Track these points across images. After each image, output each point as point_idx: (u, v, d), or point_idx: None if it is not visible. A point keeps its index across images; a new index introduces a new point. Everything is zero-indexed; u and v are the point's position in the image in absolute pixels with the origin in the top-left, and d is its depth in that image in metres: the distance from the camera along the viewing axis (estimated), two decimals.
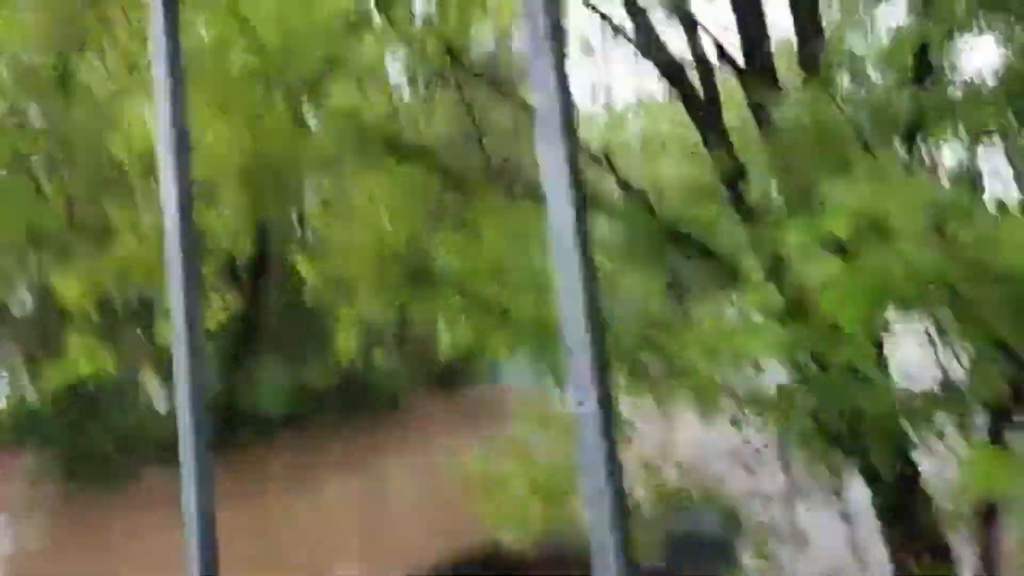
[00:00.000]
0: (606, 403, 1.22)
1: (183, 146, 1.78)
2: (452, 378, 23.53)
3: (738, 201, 3.80)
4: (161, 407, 14.93)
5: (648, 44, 4.01)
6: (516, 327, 3.23)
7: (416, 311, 3.87)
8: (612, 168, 3.66)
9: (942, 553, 3.57)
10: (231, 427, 15.63)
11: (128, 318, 13.08)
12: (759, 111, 3.36)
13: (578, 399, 1.25)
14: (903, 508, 3.59)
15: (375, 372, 19.52)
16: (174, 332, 1.83)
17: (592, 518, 1.20)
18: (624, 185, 3.84)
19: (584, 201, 1.29)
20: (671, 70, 3.96)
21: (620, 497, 1.20)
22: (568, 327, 1.28)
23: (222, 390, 15.91)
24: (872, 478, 3.35)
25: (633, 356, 3.12)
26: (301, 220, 17.64)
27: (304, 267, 4.41)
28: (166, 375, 15.08)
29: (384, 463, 13.05)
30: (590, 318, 1.26)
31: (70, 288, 3.85)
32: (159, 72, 1.79)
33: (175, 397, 1.83)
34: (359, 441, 15.66)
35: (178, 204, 1.76)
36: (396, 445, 15.05)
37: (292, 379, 16.48)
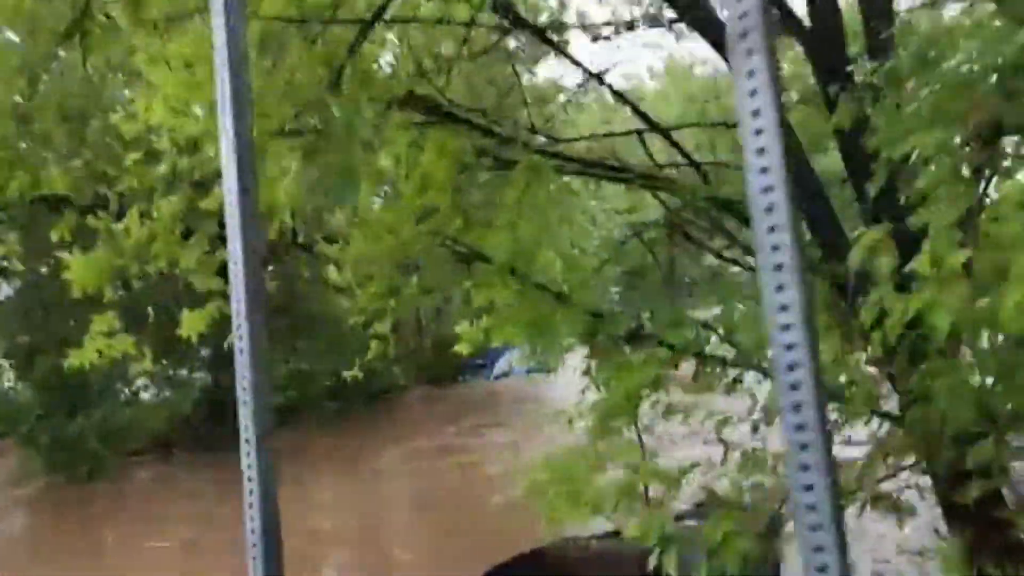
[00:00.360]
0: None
1: (244, 116, 1.55)
2: (443, 374, 23.39)
3: (800, 176, 3.56)
4: (150, 397, 14.54)
5: (690, 4, 3.69)
6: (573, 312, 2.96)
7: (468, 296, 3.58)
8: (671, 141, 3.40)
9: (1018, 553, 3.35)
10: (224, 420, 15.29)
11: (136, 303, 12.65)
12: (829, 77, 3.11)
13: (788, 363, 1.05)
14: (977, 505, 3.34)
15: (371, 365, 19.19)
16: (235, 315, 1.60)
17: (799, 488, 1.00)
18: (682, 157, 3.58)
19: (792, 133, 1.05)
20: (716, 33, 3.63)
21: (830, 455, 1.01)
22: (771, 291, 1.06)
23: (217, 381, 15.60)
24: (948, 474, 3.10)
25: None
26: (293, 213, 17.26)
27: (329, 252, 4.10)
28: (161, 363, 14.71)
29: (383, 454, 12.77)
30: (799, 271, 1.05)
31: (84, 269, 3.56)
32: (219, 40, 1.55)
33: (236, 385, 1.60)
34: (357, 433, 15.40)
35: (239, 181, 1.53)
36: (395, 437, 14.80)
37: (289, 371, 16.13)
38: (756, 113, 1.06)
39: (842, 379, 2.85)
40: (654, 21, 4.48)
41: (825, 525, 0.99)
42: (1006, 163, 1.35)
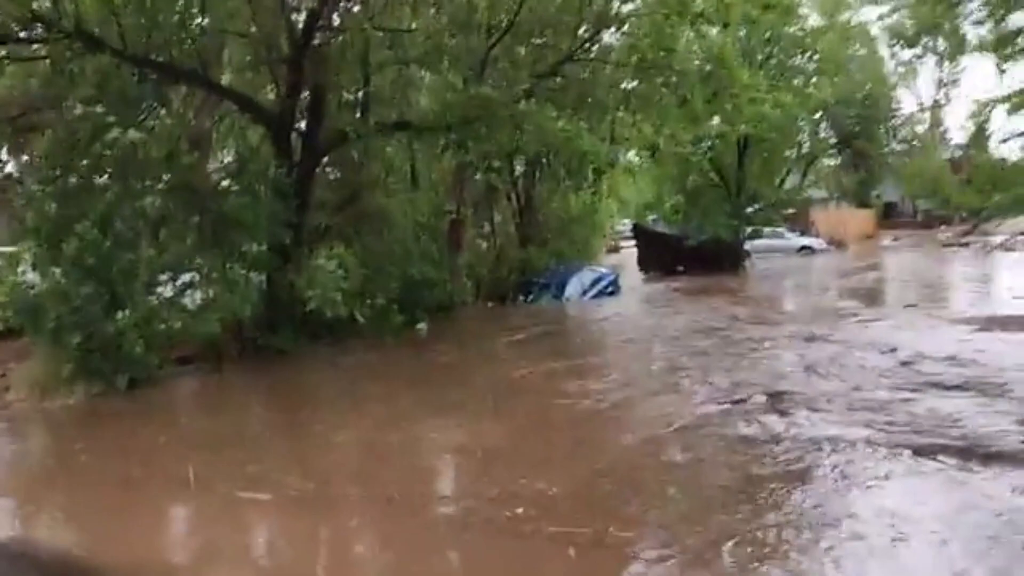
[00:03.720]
0: None
1: None
2: (503, 293, 21.04)
3: None
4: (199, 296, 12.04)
5: None
6: None
7: None
8: None
9: None
10: (277, 326, 12.93)
11: None
12: None
13: None
14: None
15: (428, 279, 16.78)
16: None
17: None
18: None
19: None
20: None
21: None
22: None
23: (272, 282, 13.13)
24: None
25: None
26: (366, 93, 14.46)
27: None
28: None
29: (487, 374, 10.42)
30: None
31: None
32: None
33: None
34: (441, 349, 13.06)
35: None
36: (486, 355, 12.52)
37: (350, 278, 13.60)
38: None
39: None
40: None
41: None
42: None
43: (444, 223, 19.77)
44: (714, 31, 16.60)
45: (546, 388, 9.64)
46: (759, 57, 26.33)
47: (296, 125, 14.27)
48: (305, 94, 14.13)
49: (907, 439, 6.27)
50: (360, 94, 14.99)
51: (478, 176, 20.36)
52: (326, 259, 11.69)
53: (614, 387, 9.33)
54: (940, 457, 5.79)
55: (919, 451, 5.94)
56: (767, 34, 26.05)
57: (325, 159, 15.33)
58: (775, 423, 7.00)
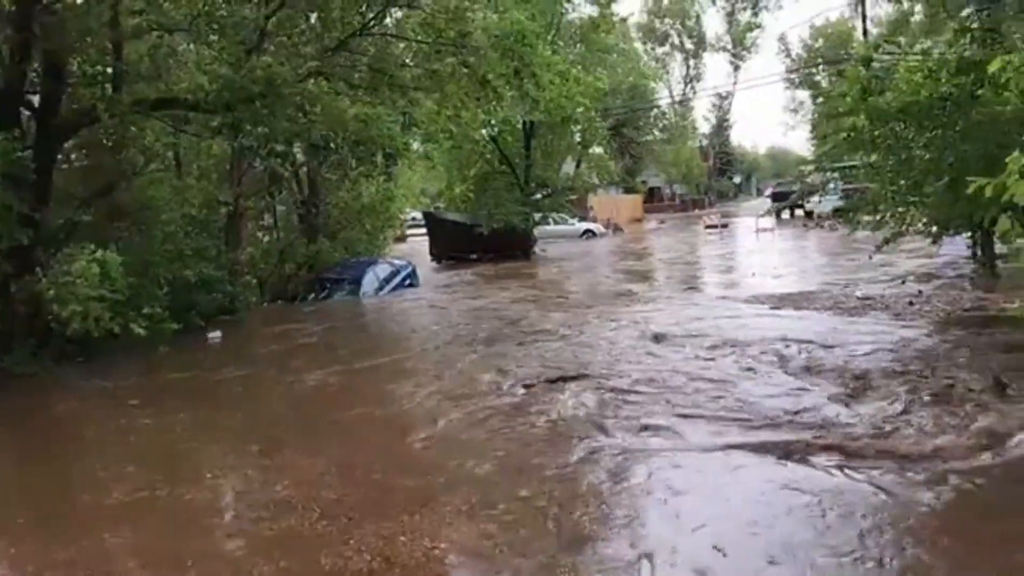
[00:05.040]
0: None
1: None
2: (289, 291, 19.24)
3: None
4: None
5: None
6: None
7: None
8: None
9: None
10: (9, 345, 10.48)
11: None
12: None
13: None
14: None
15: (205, 280, 14.79)
16: None
17: None
18: None
19: None
20: None
21: None
22: None
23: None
24: None
25: None
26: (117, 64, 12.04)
27: None
28: None
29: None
30: None
31: None
32: None
33: None
34: (224, 363, 11.34)
35: None
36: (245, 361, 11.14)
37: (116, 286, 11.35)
38: None
39: None
40: None
41: None
42: None
43: (220, 216, 17.64)
44: (503, 9, 16.14)
45: (354, 399, 8.60)
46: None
47: (28, 100, 11.69)
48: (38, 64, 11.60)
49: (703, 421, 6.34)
50: (111, 66, 12.56)
51: (257, 163, 18.31)
52: (86, 263, 9.50)
53: (423, 389, 8.50)
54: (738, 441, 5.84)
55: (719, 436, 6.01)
56: (550, 19, 26.27)
57: (68, 144, 12.81)
58: (593, 413, 6.79)
